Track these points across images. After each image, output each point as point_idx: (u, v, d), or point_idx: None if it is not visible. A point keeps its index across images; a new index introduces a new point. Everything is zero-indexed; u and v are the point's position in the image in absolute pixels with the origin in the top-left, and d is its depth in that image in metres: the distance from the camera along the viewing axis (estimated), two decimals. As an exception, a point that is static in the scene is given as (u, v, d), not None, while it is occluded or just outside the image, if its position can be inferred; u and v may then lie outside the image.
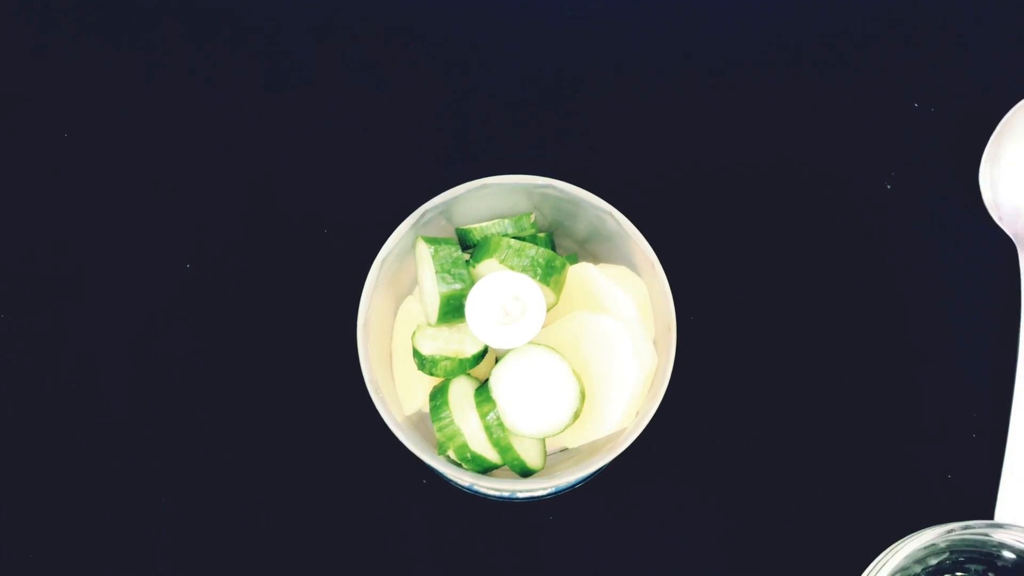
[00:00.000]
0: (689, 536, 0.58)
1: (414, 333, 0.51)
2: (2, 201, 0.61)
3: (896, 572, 0.52)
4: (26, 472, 0.58)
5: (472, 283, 0.50)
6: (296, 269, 0.60)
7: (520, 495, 0.55)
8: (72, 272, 0.60)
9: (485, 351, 0.51)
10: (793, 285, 0.60)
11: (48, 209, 0.61)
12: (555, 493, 0.56)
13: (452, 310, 0.51)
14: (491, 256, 0.51)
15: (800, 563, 0.57)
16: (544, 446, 0.52)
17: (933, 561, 0.54)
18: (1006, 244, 0.60)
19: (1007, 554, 0.52)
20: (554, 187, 0.52)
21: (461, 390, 0.51)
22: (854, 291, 0.60)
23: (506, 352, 0.50)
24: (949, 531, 0.51)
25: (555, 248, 0.54)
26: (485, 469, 0.51)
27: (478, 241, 0.52)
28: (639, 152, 0.61)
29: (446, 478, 0.53)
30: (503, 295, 0.49)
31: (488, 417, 0.50)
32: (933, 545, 0.52)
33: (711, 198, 0.61)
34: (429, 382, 0.52)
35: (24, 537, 0.58)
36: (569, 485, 0.54)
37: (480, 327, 0.49)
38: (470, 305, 0.50)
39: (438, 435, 0.51)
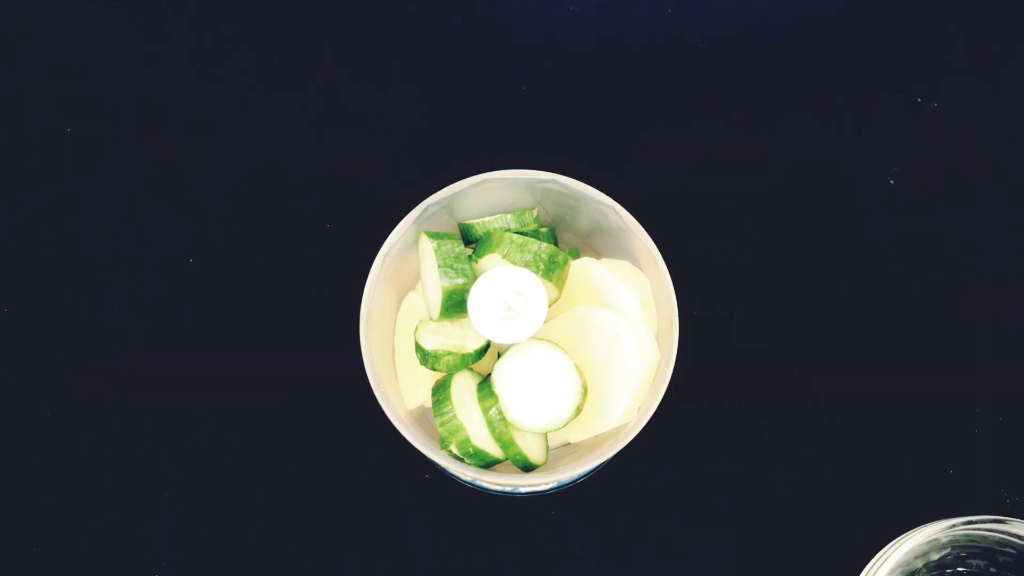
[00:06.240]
0: (691, 530, 0.58)
1: (416, 328, 0.51)
2: (4, 196, 0.61)
3: (898, 567, 0.52)
4: (30, 465, 0.59)
5: (474, 278, 0.50)
6: (299, 264, 0.60)
7: (522, 490, 0.55)
8: (76, 266, 0.60)
9: (487, 346, 0.51)
10: (795, 280, 0.60)
11: (50, 204, 0.61)
12: (557, 488, 0.56)
13: (454, 305, 0.51)
14: (493, 251, 0.51)
15: (803, 558, 0.57)
16: (546, 441, 0.52)
17: (935, 556, 0.54)
18: (1010, 238, 0.60)
19: (1009, 550, 0.52)
20: (556, 182, 0.52)
21: (463, 385, 0.51)
22: (856, 286, 0.60)
23: (508, 347, 0.50)
24: (951, 526, 0.51)
25: (557, 243, 0.54)
26: (487, 464, 0.51)
27: (480, 236, 0.52)
28: (641, 146, 0.61)
29: (448, 473, 0.53)
30: (505, 290, 0.49)
31: (490, 412, 0.50)
32: (935, 540, 0.52)
33: (713, 192, 0.61)
34: (431, 377, 0.52)
35: (28, 530, 0.58)
36: (571, 480, 0.54)
37: (482, 322, 0.49)
38: (472, 300, 0.50)
39: (440, 430, 0.51)
